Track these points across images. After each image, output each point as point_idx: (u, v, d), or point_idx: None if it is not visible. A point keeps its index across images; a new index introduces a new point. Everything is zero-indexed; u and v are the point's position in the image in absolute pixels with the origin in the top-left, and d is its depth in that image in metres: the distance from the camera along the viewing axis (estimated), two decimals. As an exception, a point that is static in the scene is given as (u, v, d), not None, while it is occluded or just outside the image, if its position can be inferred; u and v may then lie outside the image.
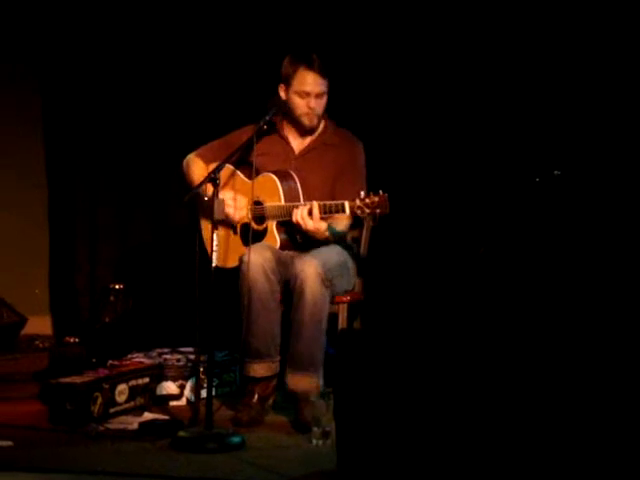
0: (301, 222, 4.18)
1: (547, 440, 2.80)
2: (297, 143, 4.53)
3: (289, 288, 4.26)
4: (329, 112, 4.54)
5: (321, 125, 4.52)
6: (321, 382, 4.21)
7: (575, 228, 4.59)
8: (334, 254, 4.35)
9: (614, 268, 4.48)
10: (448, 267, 5.02)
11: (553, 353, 2.84)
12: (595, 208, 4.65)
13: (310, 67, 4.39)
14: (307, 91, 4.39)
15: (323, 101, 4.43)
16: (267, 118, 4.38)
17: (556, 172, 4.54)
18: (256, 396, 4.28)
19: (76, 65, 6.08)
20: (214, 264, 4.00)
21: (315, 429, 3.88)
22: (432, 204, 5.23)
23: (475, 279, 4.60)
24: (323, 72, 4.40)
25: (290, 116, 4.49)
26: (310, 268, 4.17)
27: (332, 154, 4.48)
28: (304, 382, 4.19)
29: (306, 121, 4.44)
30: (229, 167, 4.46)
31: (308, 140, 4.53)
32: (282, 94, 4.48)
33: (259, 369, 4.28)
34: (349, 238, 4.54)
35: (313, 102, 4.40)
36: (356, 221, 4.41)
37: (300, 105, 4.42)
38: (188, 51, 5.83)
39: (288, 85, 4.44)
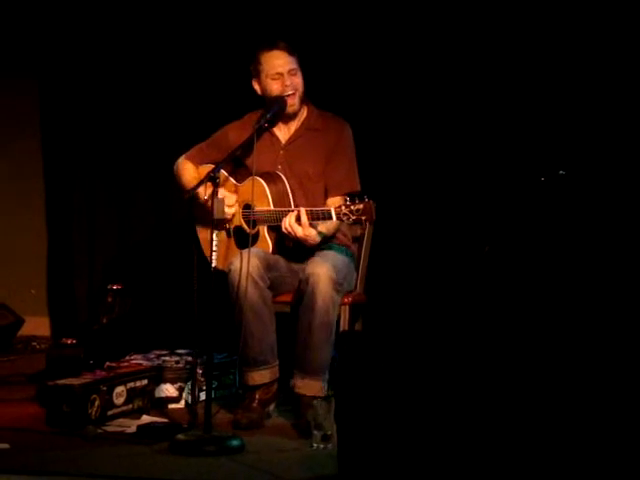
0: (290, 230, 4.14)
1: (550, 444, 2.77)
2: (283, 133, 4.48)
3: (299, 290, 4.23)
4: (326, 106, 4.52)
5: (304, 111, 4.46)
6: (326, 386, 4.19)
7: (580, 227, 4.57)
8: (340, 255, 4.32)
9: (619, 267, 4.46)
10: (452, 267, 4.99)
11: (560, 355, 2.81)
12: (600, 208, 4.64)
13: (274, 47, 4.35)
14: (279, 72, 4.34)
15: (298, 78, 4.37)
16: (268, 116, 4.34)
17: (561, 172, 4.52)
18: (257, 400, 4.25)
19: (73, 64, 6.11)
20: (214, 264, 3.96)
21: (316, 433, 3.84)
22: (436, 204, 5.21)
23: (480, 278, 4.57)
24: (289, 49, 4.35)
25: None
26: (322, 271, 4.13)
27: (319, 139, 4.42)
28: (312, 387, 4.17)
29: (288, 100, 4.35)
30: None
31: (293, 128, 4.47)
32: (257, 88, 4.43)
33: (258, 377, 4.25)
34: (351, 238, 4.51)
35: (288, 80, 4.34)
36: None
37: (276, 87, 4.35)
38: (182, 50, 5.85)
39: (259, 74, 4.39)
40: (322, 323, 4.13)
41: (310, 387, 4.17)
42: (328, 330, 4.15)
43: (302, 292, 4.18)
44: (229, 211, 4.35)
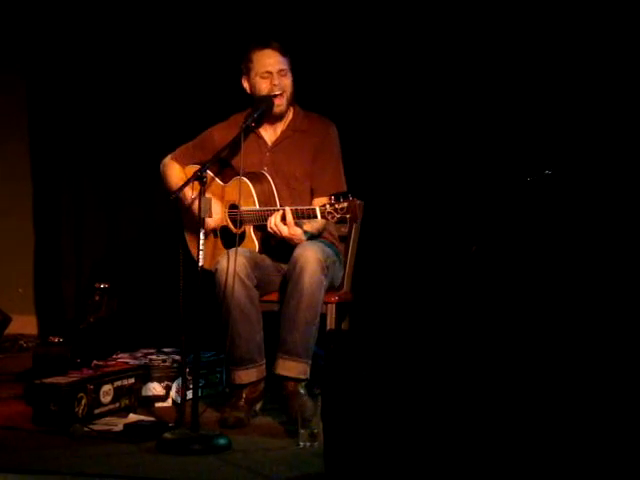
0: (275, 229, 4.15)
1: (539, 445, 2.78)
2: (269, 134, 4.48)
3: (286, 274, 4.24)
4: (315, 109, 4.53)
5: (290, 112, 4.47)
6: (309, 369, 4.18)
7: (566, 227, 4.58)
8: (327, 247, 4.33)
9: (605, 266, 4.47)
10: (439, 266, 5.00)
11: (546, 354, 2.82)
12: (586, 207, 4.65)
13: (267, 46, 4.36)
14: (269, 70, 4.35)
15: (287, 80, 4.38)
16: (255, 116, 4.34)
17: (547, 171, 4.53)
18: (243, 398, 4.25)
19: (61, 64, 6.09)
20: (200, 263, 3.96)
21: (302, 431, 3.85)
22: (423, 203, 5.22)
23: (467, 278, 4.59)
24: (281, 50, 4.37)
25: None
26: (310, 253, 4.14)
27: (305, 140, 4.43)
28: (295, 368, 4.17)
29: (275, 101, 4.37)
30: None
31: (279, 130, 4.47)
32: (246, 86, 4.44)
33: (245, 376, 4.25)
34: (337, 237, 4.52)
35: (277, 79, 4.35)
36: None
37: (265, 86, 4.36)
38: (170, 53, 5.84)
39: (249, 72, 4.40)
40: (309, 304, 4.13)
41: (293, 368, 4.16)
42: (314, 311, 4.16)
43: (289, 274, 4.18)
44: (214, 216, 4.34)
